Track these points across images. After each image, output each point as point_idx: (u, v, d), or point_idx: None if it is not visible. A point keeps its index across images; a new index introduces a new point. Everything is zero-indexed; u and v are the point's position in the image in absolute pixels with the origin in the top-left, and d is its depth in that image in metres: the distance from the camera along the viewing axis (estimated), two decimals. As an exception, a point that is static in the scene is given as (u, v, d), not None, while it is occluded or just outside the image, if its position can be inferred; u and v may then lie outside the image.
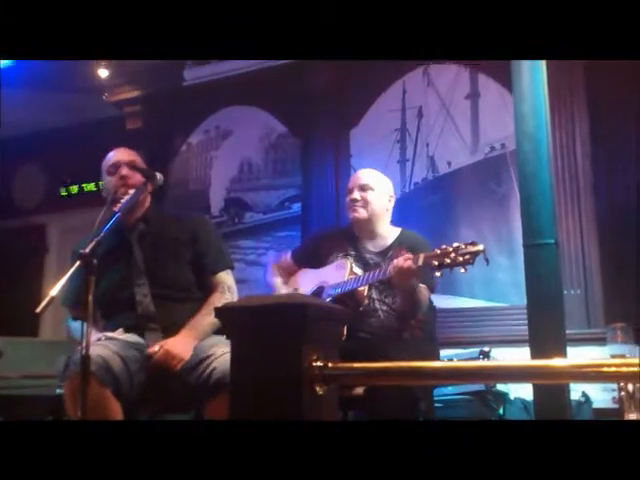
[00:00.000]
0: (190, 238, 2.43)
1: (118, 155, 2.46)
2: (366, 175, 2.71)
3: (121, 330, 2.26)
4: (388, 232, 2.70)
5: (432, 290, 2.54)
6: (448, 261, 2.18)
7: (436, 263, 2.21)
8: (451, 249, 2.19)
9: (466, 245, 2.18)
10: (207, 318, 2.25)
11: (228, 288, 2.40)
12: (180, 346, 2.19)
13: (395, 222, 2.79)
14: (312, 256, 2.80)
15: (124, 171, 2.38)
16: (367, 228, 2.68)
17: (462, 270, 2.17)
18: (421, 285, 2.44)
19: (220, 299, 2.32)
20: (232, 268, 2.51)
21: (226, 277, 2.44)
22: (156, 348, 2.19)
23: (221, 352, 2.09)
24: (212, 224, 2.69)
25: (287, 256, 2.92)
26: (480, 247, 2.16)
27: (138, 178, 2.39)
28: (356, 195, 2.64)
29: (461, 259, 2.16)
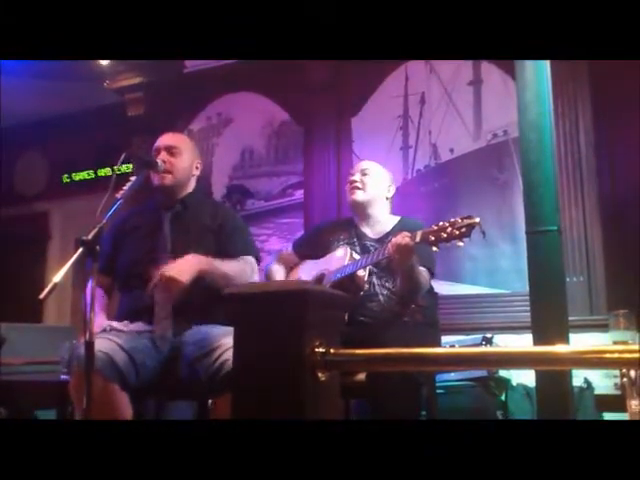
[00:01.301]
0: (217, 227, 2.45)
1: (160, 140, 2.52)
2: (368, 163, 2.81)
3: (127, 322, 2.27)
4: (387, 219, 2.73)
5: (432, 273, 2.55)
6: (445, 235, 2.20)
7: (433, 238, 2.23)
8: (448, 224, 2.21)
9: (462, 219, 2.20)
10: (222, 264, 2.27)
11: (250, 264, 2.42)
12: (179, 268, 2.18)
13: (397, 209, 2.81)
14: (313, 247, 2.81)
15: (163, 156, 2.45)
16: (365, 212, 2.71)
17: (460, 243, 2.19)
18: (421, 268, 2.45)
19: (241, 264, 2.37)
20: (258, 258, 2.52)
21: (251, 259, 2.46)
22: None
23: (230, 343, 2.10)
24: (241, 220, 2.68)
25: (288, 248, 2.93)
26: (476, 220, 2.18)
27: (177, 163, 2.45)
28: (356, 177, 2.72)
29: (457, 232, 2.18)
